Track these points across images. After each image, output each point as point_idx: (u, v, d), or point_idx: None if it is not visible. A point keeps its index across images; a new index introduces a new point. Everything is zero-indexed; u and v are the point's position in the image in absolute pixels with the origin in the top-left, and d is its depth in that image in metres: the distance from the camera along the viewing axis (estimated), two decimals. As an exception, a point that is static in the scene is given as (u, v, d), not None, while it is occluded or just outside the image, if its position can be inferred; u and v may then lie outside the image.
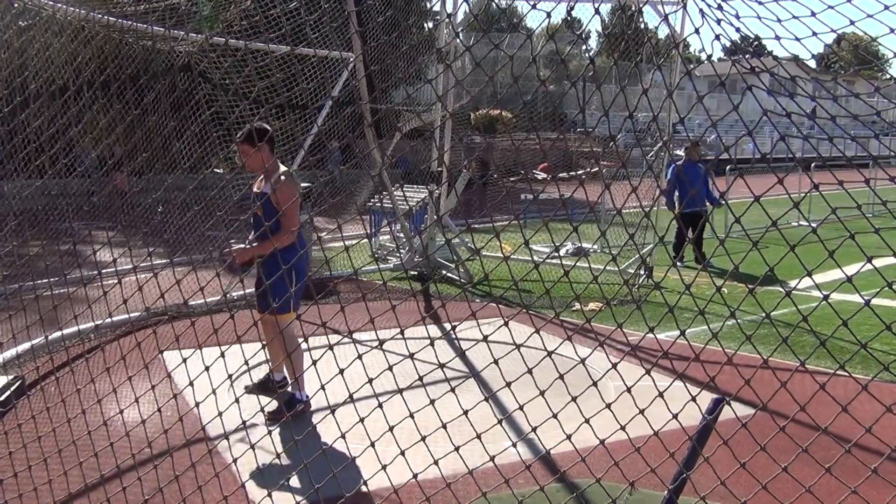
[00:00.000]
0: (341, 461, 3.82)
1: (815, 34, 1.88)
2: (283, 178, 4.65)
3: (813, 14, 1.87)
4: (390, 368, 2.63)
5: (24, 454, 3.49)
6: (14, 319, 4.91)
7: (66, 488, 3.54)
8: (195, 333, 3.27)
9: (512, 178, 13.96)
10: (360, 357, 2.70)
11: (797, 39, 1.93)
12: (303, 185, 9.56)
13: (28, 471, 3.43)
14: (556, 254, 2.72)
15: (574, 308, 8.07)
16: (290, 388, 5.09)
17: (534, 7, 2.15)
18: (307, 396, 4.96)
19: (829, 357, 6.23)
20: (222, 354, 2.91)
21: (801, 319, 2.64)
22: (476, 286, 9.63)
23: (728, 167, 16.93)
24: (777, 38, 1.89)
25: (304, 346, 5.18)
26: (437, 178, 10.55)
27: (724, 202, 11.69)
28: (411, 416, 2.66)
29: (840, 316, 2.38)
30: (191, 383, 2.97)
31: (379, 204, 10.84)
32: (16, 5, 5.49)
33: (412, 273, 10.17)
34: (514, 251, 10.86)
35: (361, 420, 2.71)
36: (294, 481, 3.57)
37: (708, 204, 10.74)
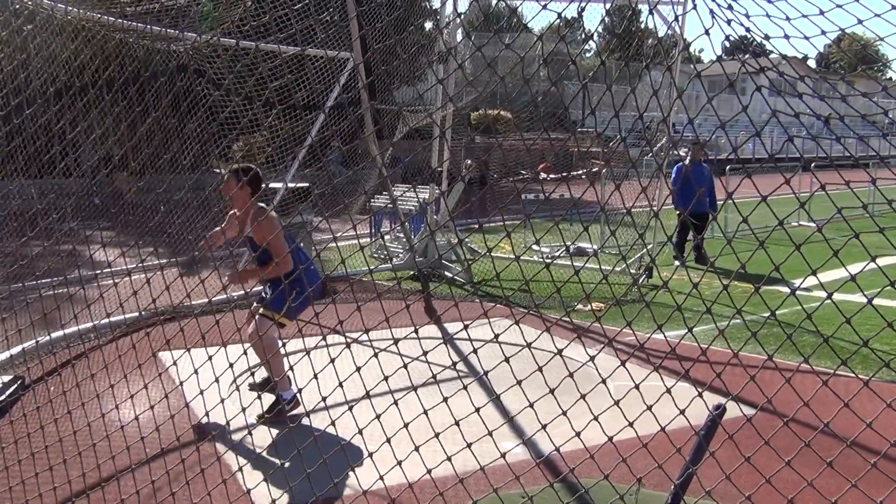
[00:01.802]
0: (354, 458, 3.83)
1: (823, 32, 1.89)
2: (260, 216, 4.91)
3: (822, 12, 1.87)
4: (405, 367, 2.65)
5: (25, 455, 3.49)
6: (14, 319, 4.91)
7: (66, 489, 3.55)
8: (201, 332, 3.28)
9: (512, 179, 13.97)
10: (375, 355, 2.71)
11: (806, 38, 1.94)
12: (302, 185, 9.57)
13: (30, 472, 3.44)
14: (562, 254, 2.73)
15: (577, 308, 8.08)
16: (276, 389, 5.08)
17: (544, 7, 2.16)
18: (294, 393, 4.95)
19: (829, 357, 6.25)
20: (245, 352, 2.92)
21: (804, 318, 2.65)
22: (478, 287, 9.64)
23: (728, 167, 16.95)
24: (786, 36, 1.89)
25: (304, 346, 5.19)
26: (436, 179, 10.56)
27: (719, 210, 11.70)
28: (425, 412, 2.67)
29: (843, 314, 2.39)
30: (216, 382, 2.98)
31: (380, 204, 10.85)
32: (17, 6, 5.49)
33: (413, 273, 10.17)
34: (523, 253, 10.86)
35: (378, 417, 2.72)
36: (307, 480, 3.59)
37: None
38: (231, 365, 2.93)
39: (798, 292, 2.63)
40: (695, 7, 1.97)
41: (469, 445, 2.62)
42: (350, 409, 2.73)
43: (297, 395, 4.94)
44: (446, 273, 10.05)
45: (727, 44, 2.14)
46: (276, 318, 4.84)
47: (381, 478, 2.80)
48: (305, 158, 9.39)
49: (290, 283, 4.49)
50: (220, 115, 6.65)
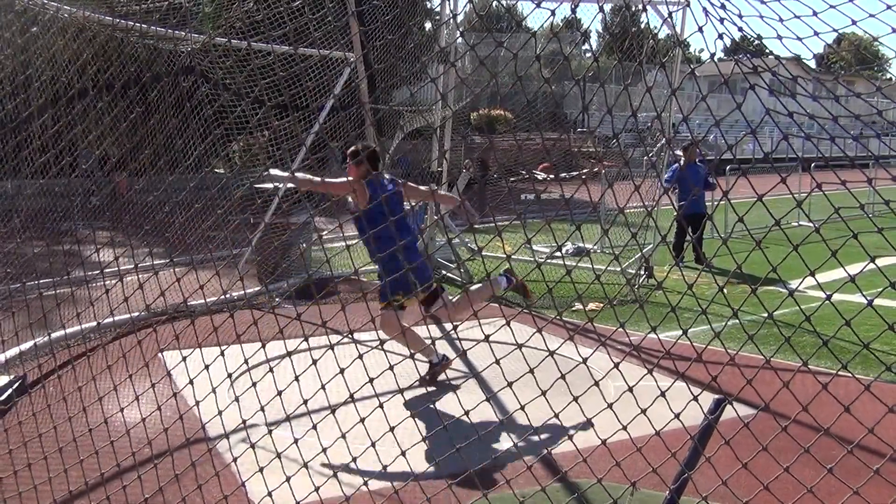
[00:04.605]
0: (342, 462, 3.81)
1: (816, 34, 1.88)
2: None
3: (815, 13, 1.86)
4: (391, 368, 2.63)
5: (24, 453, 3.49)
6: (15, 318, 4.90)
7: (66, 487, 3.54)
8: (195, 333, 3.27)
9: (512, 179, 13.95)
10: (360, 357, 2.70)
11: (799, 39, 1.93)
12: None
13: (28, 469, 3.43)
14: (557, 253, 2.72)
15: (574, 308, 8.06)
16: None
17: (538, 6, 2.15)
18: (442, 356, 5.32)
19: (827, 357, 6.23)
20: (222, 353, 2.91)
21: (803, 319, 2.63)
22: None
23: (728, 167, 16.93)
24: (779, 37, 1.88)
25: (304, 345, 5.22)
26: (437, 178, 10.54)
27: (713, 211, 11.71)
28: (412, 415, 2.65)
29: (843, 316, 2.37)
30: (190, 385, 2.97)
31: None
32: (17, 6, 5.48)
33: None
34: (515, 251, 10.85)
35: (362, 420, 2.71)
36: (295, 481, 3.59)
37: (707, 193, 10.79)
38: (207, 367, 2.91)
39: (797, 293, 2.62)
40: (688, 4, 1.96)
41: (458, 449, 2.60)
42: (332, 412, 2.72)
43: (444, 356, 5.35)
44: (444, 272, 10.03)
45: (720, 42, 2.13)
46: (388, 304, 5.19)
47: (366, 483, 2.78)
48: (307, 157, 9.37)
49: (391, 265, 4.99)
50: (226, 116, 6.64)
